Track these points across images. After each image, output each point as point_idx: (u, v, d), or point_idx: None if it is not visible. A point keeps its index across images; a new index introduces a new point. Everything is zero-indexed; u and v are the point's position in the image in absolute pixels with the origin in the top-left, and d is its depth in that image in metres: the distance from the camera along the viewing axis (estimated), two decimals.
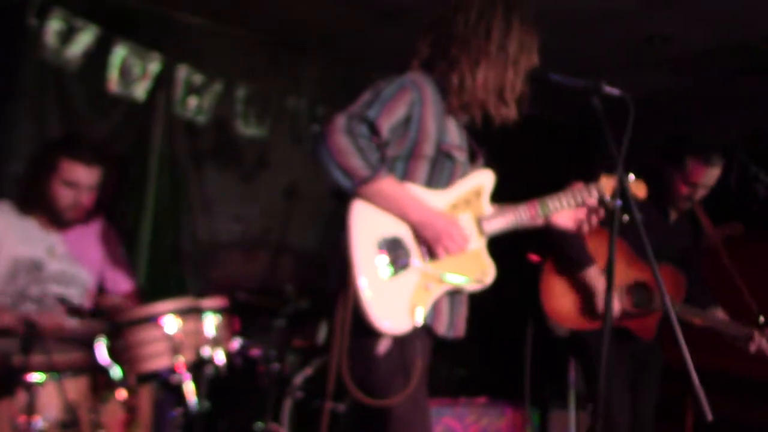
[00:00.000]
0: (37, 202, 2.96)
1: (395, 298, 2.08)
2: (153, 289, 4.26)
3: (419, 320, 2.10)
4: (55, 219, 2.99)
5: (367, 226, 2.08)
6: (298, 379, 3.72)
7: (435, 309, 2.17)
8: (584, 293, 3.08)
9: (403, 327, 2.08)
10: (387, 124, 2.11)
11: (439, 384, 4.25)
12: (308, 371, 3.75)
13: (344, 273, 2.04)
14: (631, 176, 2.49)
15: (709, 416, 1.82)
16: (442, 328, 2.20)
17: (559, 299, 3.10)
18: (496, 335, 4.42)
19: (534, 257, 3.12)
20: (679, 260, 3.21)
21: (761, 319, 3.26)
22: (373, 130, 2.09)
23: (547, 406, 4.28)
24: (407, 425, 2.12)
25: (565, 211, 2.38)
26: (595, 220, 2.40)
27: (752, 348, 3.17)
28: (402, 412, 2.10)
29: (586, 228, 2.41)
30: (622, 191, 2.11)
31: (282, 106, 4.77)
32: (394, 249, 2.11)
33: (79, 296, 3.02)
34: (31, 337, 2.37)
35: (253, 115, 4.65)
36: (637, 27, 3.97)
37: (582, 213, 2.41)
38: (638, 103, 2.09)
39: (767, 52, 3.96)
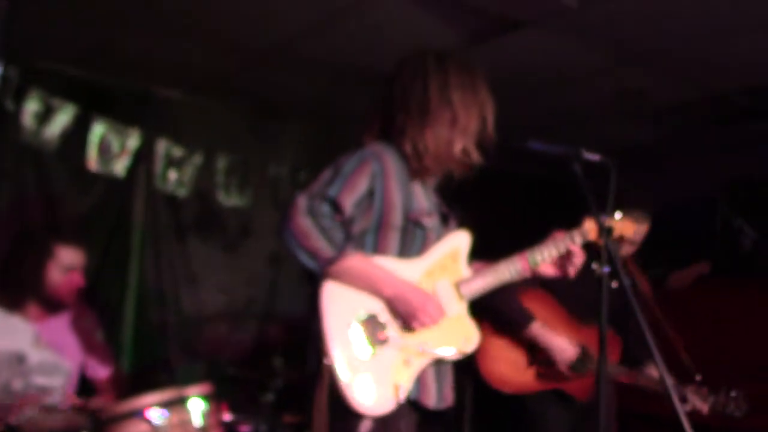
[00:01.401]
0: (27, 292, 2.91)
1: (375, 376, 2.03)
2: (138, 364, 4.21)
3: (402, 397, 2.05)
4: (51, 305, 2.93)
5: (340, 305, 2.05)
6: None
7: (420, 382, 2.12)
8: (525, 354, 3.06)
9: (385, 406, 2.03)
10: (349, 200, 2.08)
11: None
12: None
13: (321, 356, 1.99)
14: (617, 215, 2.47)
15: None
16: (431, 401, 2.15)
17: (497, 363, 3.06)
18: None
19: None
20: (613, 318, 3.20)
21: (697, 377, 3.20)
22: (336, 207, 2.07)
23: None
24: None
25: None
26: (579, 261, 2.35)
27: (686, 408, 3.09)
28: None
29: (572, 272, 2.36)
30: (609, 258, 2.08)
31: (263, 174, 4.76)
32: (371, 325, 2.07)
33: (62, 386, 2.95)
34: None
35: (235, 185, 4.64)
36: (609, 83, 3.99)
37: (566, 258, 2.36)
38: (615, 156, 2.08)
39: (742, 104, 3.99)
